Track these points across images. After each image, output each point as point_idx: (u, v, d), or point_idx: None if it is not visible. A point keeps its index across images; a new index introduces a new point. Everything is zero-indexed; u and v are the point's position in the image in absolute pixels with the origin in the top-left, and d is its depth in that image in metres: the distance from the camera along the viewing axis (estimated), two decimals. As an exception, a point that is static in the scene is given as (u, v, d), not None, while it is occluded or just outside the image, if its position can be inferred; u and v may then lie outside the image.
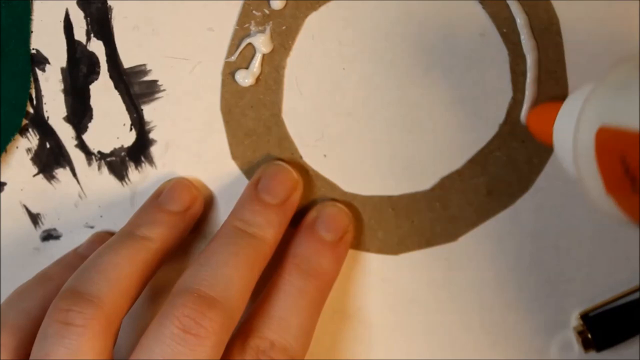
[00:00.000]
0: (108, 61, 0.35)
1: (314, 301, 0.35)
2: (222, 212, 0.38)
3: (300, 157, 0.37)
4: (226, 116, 0.37)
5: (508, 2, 0.36)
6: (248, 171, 0.37)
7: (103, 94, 0.36)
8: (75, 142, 0.36)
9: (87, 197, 0.37)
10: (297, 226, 0.37)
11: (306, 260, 0.36)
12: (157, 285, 0.38)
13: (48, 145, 0.36)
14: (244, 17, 0.36)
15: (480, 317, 0.39)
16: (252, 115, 0.37)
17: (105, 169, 0.36)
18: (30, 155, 0.36)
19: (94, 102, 0.36)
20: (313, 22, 0.36)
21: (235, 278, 0.33)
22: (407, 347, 0.40)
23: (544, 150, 0.37)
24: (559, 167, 0.37)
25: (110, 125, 0.36)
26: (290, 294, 0.35)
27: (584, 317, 0.39)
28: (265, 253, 0.35)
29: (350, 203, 0.38)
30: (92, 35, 0.35)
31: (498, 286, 0.39)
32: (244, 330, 0.34)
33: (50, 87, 0.35)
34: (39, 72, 0.35)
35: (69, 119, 0.36)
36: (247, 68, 0.36)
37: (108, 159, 0.36)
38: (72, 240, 0.38)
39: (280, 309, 0.34)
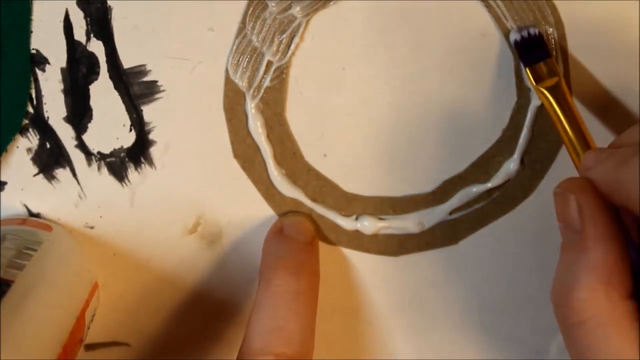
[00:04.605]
0: (108, 61, 0.35)
1: (309, 301, 0.34)
2: (223, 212, 0.38)
3: (302, 156, 0.37)
4: (228, 114, 0.37)
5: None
6: (249, 170, 0.37)
7: (103, 94, 0.36)
8: (75, 143, 0.36)
9: (87, 197, 0.37)
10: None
11: (292, 259, 0.35)
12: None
13: (48, 145, 0.36)
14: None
15: (480, 318, 0.39)
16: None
17: (105, 170, 0.36)
18: (30, 155, 0.36)
19: (93, 102, 0.36)
20: (314, 23, 0.36)
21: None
22: (407, 347, 0.40)
23: (546, 156, 0.37)
24: (560, 172, 0.37)
25: (110, 126, 0.36)
26: (284, 299, 0.34)
27: (585, 319, 0.39)
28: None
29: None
30: (92, 35, 0.35)
31: (498, 288, 0.39)
32: (247, 349, 0.33)
33: (50, 87, 0.35)
34: (39, 72, 0.35)
35: (69, 119, 0.36)
36: (250, 66, 0.36)
37: (108, 160, 0.36)
38: (72, 240, 0.38)
39: (278, 318, 0.33)
